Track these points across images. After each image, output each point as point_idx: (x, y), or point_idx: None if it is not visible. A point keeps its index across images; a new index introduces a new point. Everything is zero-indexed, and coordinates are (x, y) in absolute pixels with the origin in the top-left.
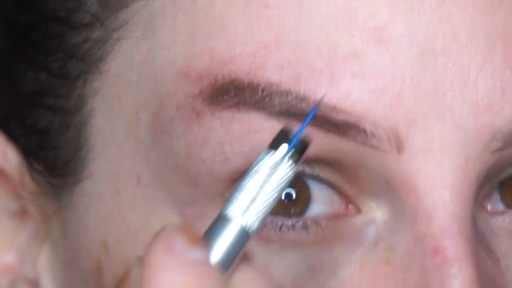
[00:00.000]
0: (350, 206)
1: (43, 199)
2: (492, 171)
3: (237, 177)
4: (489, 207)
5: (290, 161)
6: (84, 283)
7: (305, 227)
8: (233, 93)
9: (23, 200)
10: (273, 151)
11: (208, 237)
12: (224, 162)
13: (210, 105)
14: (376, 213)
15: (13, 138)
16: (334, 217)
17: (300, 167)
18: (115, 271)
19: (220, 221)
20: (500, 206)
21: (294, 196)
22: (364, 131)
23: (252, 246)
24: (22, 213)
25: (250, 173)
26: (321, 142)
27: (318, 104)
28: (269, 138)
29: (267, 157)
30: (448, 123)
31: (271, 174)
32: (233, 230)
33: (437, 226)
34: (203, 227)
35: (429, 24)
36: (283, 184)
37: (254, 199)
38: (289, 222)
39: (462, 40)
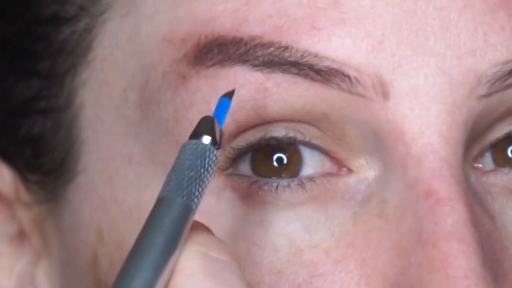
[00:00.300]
0: (342, 169)
1: (38, 206)
2: (481, 122)
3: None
4: (480, 167)
5: (212, 147)
6: (80, 282)
7: (301, 184)
8: (216, 50)
9: (20, 220)
10: (196, 140)
11: (153, 219)
12: None
13: (194, 65)
14: (367, 171)
15: (5, 154)
16: (327, 175)
17: (291, 134)
18: (111, 258)
19: (160, 203)
20: (492, 167)
21: (285, 160)
22: (348, 77)
23: (248, 208)
24: (20, 236)
25: (179, 160)
26: (306, 92)
27: (228, 98)
28: (254, 92)
29: (191, 146)
30: (432, 68)
31: (199, 160)
32: (174, 209)
33: (427, 169)
34: None
35: None
36: (211, 166)
37: (188, 181)
38: (285, 182)
39: None
